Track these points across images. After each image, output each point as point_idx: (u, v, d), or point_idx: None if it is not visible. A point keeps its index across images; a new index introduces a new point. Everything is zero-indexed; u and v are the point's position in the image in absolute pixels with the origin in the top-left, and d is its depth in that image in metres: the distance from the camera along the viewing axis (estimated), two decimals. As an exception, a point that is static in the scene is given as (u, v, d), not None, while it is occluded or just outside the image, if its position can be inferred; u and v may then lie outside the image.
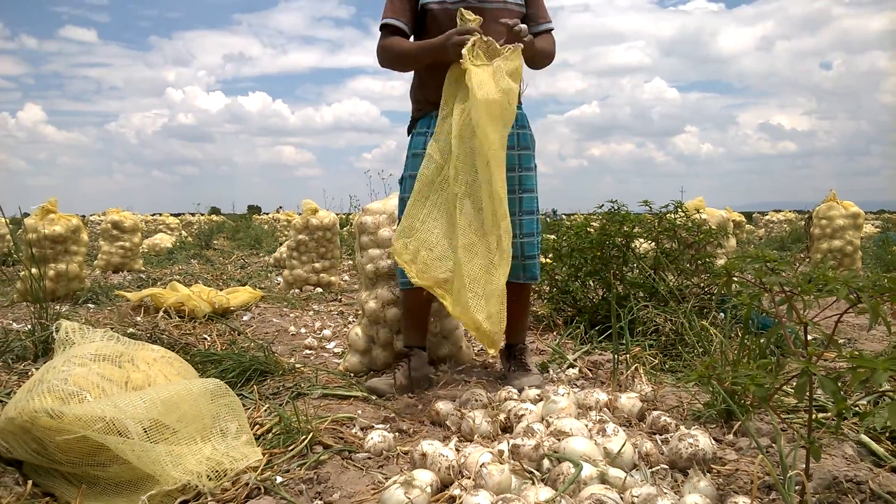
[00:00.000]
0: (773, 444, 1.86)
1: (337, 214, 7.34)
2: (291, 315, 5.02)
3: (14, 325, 4.42)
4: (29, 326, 3.66)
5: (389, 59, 2.78)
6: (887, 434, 2.08)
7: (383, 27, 2.77)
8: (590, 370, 3.02)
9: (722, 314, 3.32)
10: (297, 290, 6.34)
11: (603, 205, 4.19)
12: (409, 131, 2.90)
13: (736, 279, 1.75)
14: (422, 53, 2.69)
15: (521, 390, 2.51)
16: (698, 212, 4.39)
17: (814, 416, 2.27)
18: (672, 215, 4.03)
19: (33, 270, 4.76)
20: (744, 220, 14.00)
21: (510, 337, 2.96)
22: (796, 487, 1.58)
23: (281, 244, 10.87)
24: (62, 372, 1.88)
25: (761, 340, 2.56)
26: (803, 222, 13.56)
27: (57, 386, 1.79)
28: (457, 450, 1.88)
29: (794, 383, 1.50)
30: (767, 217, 18.38)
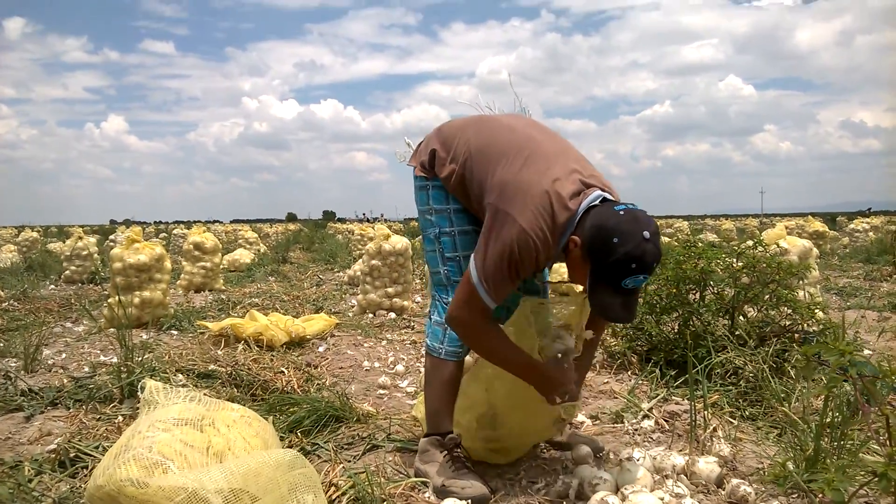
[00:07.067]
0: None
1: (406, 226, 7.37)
2: (366, 345, 5.09)
3: (101, 356, 4.61)
4: (115, 359, 3.85)
5: (478, 342, 2.30)
6: None
7: (478, 299, 2.15)
8: (666, 421, 2.96)
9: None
10: (370, 315, 6.44)
11: (676, 235, 4.08)
12: (436, 180, 2.51)
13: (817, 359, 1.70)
14: (522, 371, 2.27)
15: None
16: (778, 245, 4.25)
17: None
18: (751, 251, 3.90)
19: (119, 299, 5.00)
20: (826, 229, 13.46)
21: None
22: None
23: (355, 259, 11.08)
24: (147, 438, 1.94)
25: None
26: (891, 233, 12.91)
27: (142, 454, 1.85)
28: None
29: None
30: (852, 225, 17.66)
